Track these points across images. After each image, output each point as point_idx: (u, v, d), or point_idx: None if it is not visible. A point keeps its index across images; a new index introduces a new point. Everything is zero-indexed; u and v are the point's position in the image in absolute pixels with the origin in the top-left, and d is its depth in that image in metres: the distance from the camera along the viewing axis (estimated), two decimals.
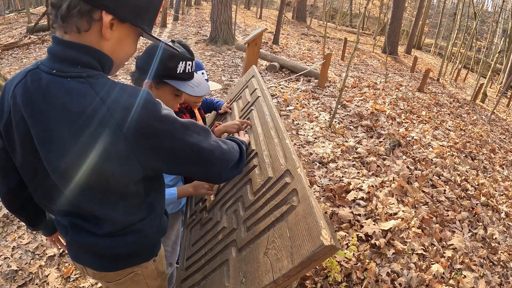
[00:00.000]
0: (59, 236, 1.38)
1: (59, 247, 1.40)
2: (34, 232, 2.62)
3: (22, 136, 0.86)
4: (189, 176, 1.42)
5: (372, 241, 2.74)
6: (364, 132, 5.04)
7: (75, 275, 2.36)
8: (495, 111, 9.64)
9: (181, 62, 1.29)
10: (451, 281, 2.61)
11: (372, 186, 3.51)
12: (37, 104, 0.80)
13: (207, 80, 1.72)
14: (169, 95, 1.35)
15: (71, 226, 1.00)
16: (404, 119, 6.01)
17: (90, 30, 0.80)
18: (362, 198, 3.28)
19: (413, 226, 3.04)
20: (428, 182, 3.95)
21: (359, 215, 3.06)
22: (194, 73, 1.45)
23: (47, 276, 2.33)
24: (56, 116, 0.78)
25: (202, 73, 1.68)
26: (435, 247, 2.91)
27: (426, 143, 5.16)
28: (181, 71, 1.29)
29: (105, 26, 0.80)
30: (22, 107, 0.83)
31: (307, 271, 0.84)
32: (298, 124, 4.91)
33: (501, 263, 3.06)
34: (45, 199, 0.99)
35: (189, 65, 1.32)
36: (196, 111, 1.87)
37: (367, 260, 2.56)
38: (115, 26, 0.82)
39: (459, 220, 3.44)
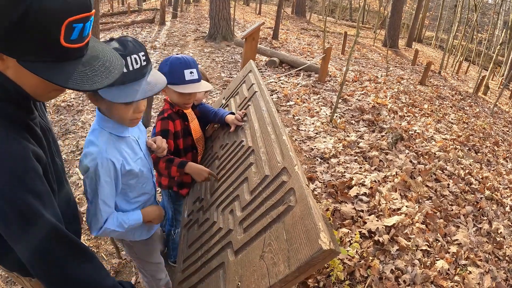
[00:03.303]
0: None
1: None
2: None
3: None
4: None
5: (376, 238, 2.69)
6: (365, 126, 4.97)
7: None
8: (497, 103, 9.53)
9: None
10: (456, 277, 2.56)
11: (375, 181, 3.45)
12: None
13: (198, 79, 1.59)
14: (121, 107, 1.11)
15: None
16: (406, 113, 5.93)
17: None
18: (364, 194, 3.22)
19: (417, 222, 2.99)
20: (432, 176, 3.89)
21: (362, 211, 3.00)
22: (154, 69, 1.20)
23: None
24: None
25: (191, 72, 1.54)
26: (439, 243, 2.85)
27: (429, 136, 5.09)
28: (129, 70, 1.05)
29: None
30: None
31: (305, 276, 0.79)
32: (299, 119, 4.84)
33: (506, 258, 3.00)
34: None
35: (134, 59, 1.06)
36: (189, 112, 1.77)
37: (371, 257, 2.51)
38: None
39: (463, 215, 3.38)
